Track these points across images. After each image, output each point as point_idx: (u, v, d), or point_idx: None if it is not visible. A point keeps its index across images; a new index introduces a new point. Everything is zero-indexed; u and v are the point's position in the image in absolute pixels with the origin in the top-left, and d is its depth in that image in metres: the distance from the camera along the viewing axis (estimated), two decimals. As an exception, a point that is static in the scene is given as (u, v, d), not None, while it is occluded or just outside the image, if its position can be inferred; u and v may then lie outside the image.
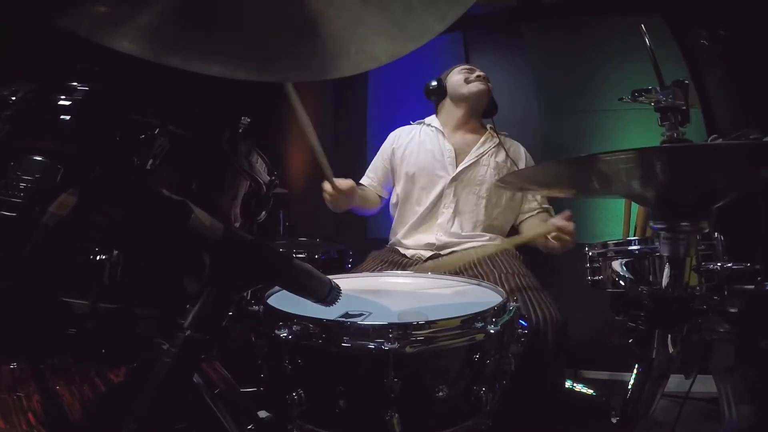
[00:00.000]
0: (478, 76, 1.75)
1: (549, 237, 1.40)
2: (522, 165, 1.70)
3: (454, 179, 1.65)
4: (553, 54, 2.46)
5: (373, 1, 0.54)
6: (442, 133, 1.74)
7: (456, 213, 1.64)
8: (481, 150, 1.69)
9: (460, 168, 1.66)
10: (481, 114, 1.81)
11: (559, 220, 1.39)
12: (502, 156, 1.69)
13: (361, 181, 1.84)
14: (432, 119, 1.82)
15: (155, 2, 0.51)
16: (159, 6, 0.50)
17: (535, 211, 1.70)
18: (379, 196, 1.84)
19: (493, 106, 1.81)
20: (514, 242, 1.52)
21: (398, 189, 1.77)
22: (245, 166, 0.80)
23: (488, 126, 1.77)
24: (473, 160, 1.67)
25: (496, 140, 1.71)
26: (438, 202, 1.66)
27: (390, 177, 1.83)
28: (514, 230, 1.72)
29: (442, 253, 1.59)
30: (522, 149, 1.77)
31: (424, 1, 0.57)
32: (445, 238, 1.61)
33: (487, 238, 1.62)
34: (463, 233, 1.61)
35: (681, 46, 2.10)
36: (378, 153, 1.88)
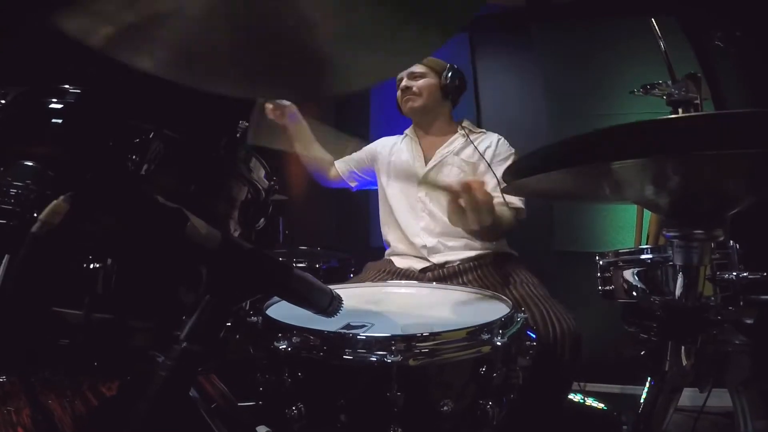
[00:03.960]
0: (404, 91, 1.70)
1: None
2: (489, 157, 1.61)
3: (422, 180, 1.66)
4: (562, 55, 2.43)
5: (365, 22, 0.52)
6: (416, 141, 1.76)
7: (433, 216, 1.63)
8: (447, 150, 1.67)
9: (426, 168, 1.67)
10: (443, 111, 1.75)
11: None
12: (467, 153, 1.64)
13: (335, 161, 1.88)
14: (410, 128, 1.83)
15: (167, 21, 0.49)
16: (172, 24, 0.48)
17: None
18: (340, 176, 1.87)
19: (453, 89, 1.71)
20: (434, 185, 1.55)
21: (381, 195, 1.79)
22: (243, 171, 0.79)
23: (462, 124, 1.73)
24: (438, 161, 1.66)
25: (464, 138, 1.68)
26: (415, 206, 1.67)
27: (361, 169, 1.86)
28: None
29: (435, 261, 1.56)
30: (495, 140, 1.66)
31: (417, 21, 0.55)
32: (432, 240, 1.59)
33: (481, 245, 1.58)
34: (449, 239, 1.59)
35: (695, 47, 2.07)
36: (363, 148, 1.90)
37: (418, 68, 1.69)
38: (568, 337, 1.16)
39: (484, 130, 1.75)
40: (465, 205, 1.12)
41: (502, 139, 1.67)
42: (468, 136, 1.67)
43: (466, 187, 1.11)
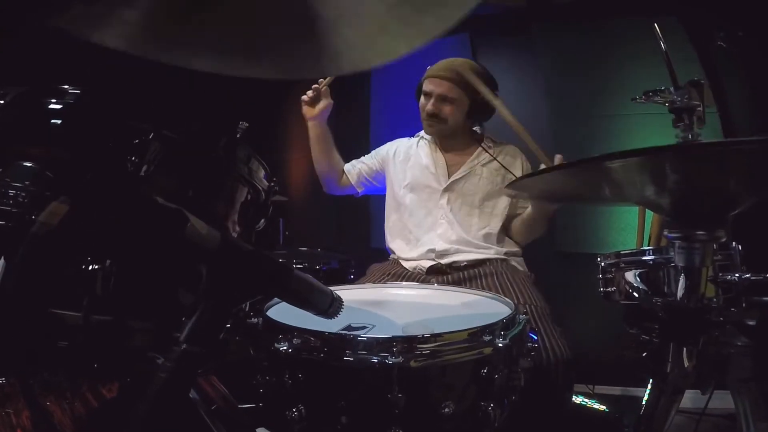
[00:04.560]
0: (428, 115, 1.62)
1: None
2: (517, 170, 1.66)
3: (446, 190, 1.65)
4: (563, 56, 2.42)
5: None
6: (436, 145, 1.73)
7: (452, 224, 1.63)
8: (475, 161, 1.67)
9: (452, 179, 1.65)
10: (466, 128, 1.72)
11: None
12: (495, 164, 1.66)
13: (344, 165, 1.84)
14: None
15: None
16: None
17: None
18: (349, 182, 1.83)
19: (480, 117, 1.69)
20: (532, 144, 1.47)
21: (391, 199, 1.77)
22: (243, 172, 0.78)
23: (485, 136, 1.74)
24: (466, 172, 1.66)
25: (491, 149, 1.68)
26: (433, 214, 1.66)
27: (373, 177, 1.83)
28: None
29: (443, 261, 1.57)
30: (519, 154, 1.71)
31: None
32: (445, 245, 1.59)
33: (494, 251, 1.60)
34: (463, 244, 1.60)
35: (697, 48, 2.06)
36: (372, 152, 1.87)
37: (451, 92, 1.60)
38: (561, 366, 1.17)
39: (503, 141, 1.75)
40: None
41: (524, 156, 1.70)
42: (492, 149, 1.67)
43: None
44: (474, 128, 1.77)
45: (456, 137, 1.71)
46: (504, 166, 1.64)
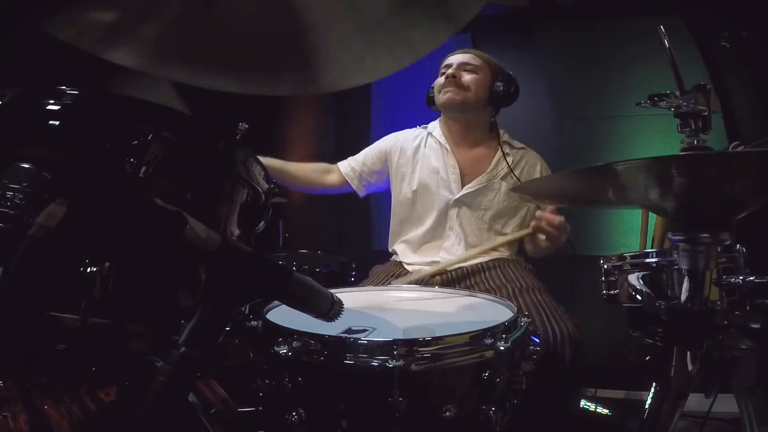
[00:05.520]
0: (448, 78, 1.51)
1: (535, 232, 1.37)
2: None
3: (457, 201, 1.56)
4: (567, 57, 2.42)
5: (368, 18, 0.51)
6: (447, 147, 1.61)
7: (460, 239, 1.56)
8: (494, 173, 1.56)
9: (465, 191, 1.55)
10: (484, 118, 1.62)
11: (543, 213, 1.35)
12: (515, 179, 1.56)
13: (338, 164, 1.73)
14: (435, 127, 1.68)
15: (153, 17, 0.49)
16: (157, 20, 0.48)
17: None
18: (344, 181, 1.71)
19: (504, 96, 1.56)
20: (500, 242, 1.49)
21: (397, 202, 1.67)
22: (243, 173, 0.78)
23: (502, 140, 1.62)
24: (483, 184, 1.55)
25: (510, 159, 1.57)
26: (442, 224, 1.57)
27: (374, 177, 1.71)
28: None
29: (447, 268, 1.52)
30: (539, 165, 1.61)
31: (424, 14, 0.54)
32: (450, 258, 1.54)
33: (497, 254, 1.56)
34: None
35: (701, 48, 2.06)
36: (372, 147, 1.75)
37: (474, 60, 1.54)
38: (568, 342, 1.14)
39: (523, 145, 1.66)
40: (546, 239, 1.35)
41: (544, 162, 1.63)
42: (511, 158, 1.58)
43: (543, 226, 1.33)
44: (493, 121, 1.65)
45: (473, 130, 1.60)
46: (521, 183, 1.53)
